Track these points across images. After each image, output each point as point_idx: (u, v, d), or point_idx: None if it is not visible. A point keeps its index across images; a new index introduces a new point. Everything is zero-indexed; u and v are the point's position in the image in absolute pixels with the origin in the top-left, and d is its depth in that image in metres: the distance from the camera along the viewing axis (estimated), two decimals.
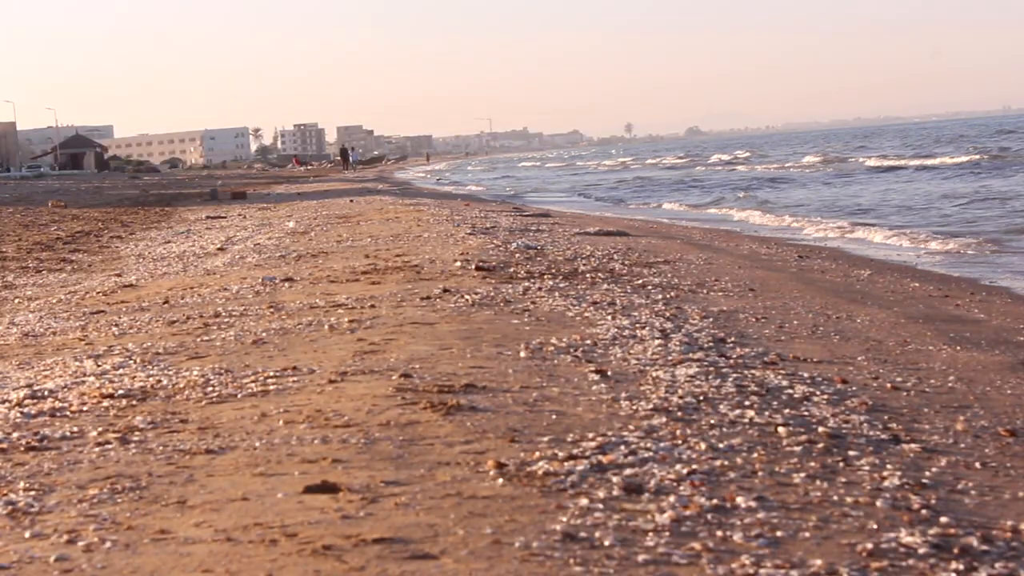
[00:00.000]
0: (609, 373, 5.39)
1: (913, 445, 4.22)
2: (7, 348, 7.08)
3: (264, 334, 6.85)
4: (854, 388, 5.23)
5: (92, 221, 21.46)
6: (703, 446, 4.10)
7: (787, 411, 4.69)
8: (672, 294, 8.52)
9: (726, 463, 3.90)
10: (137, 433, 4.48)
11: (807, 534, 3.23)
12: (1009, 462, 4.06)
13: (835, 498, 3.55)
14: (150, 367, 5.93)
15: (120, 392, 5.26)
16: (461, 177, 65.80)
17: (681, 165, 64.84)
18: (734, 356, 5.91)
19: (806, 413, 4.67)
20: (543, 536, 3.18)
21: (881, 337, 6.86)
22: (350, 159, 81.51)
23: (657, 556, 3.05)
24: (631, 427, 4.37)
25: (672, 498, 3.51)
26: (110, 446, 4.30)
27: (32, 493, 3.73)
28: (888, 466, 3.92)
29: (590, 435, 4.24)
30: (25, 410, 4.96)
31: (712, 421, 4.49)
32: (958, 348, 6.57)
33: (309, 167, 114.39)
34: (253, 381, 5.38)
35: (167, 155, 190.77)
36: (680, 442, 4.15)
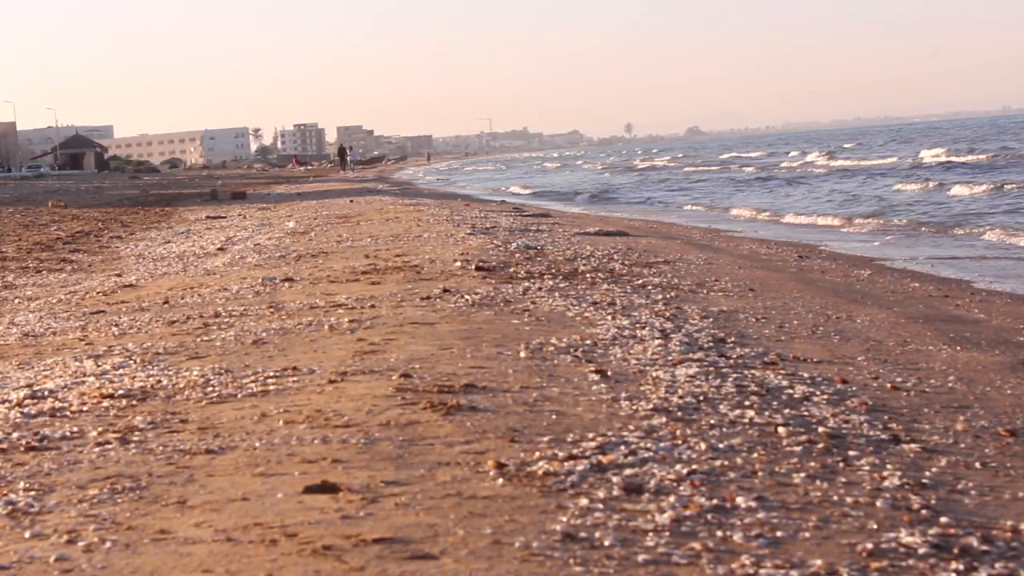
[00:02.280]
0: (609, 373, 5.39)
1: (913, 445, 4.22)
2: (7, 348, 7.08)
3: (264, 334, 6.85)
4: (854, 388, 5.23)
5: (92, 221, 21.46)
6: (703, 446, 4.10)
7: (787, 411, 4.69)
8: (672, 294, 8.52)
9: (726, 463, 3.90)
10: (137, 433, 4.48)
11: (807, 534, 3.23)
12: (1009, 462, 4.06)
13: (835, 498, 3.55)
14: (150, 367, 5.93)
15: (120, 392, 5.26)
16: (432, 176, 72.28)
17: (602, 169, 70.12)
18: (734, 356, 5.91)
19: (806, 413, 4.67)
20: (543, 536, 3.18)
21: (881, 337, 6.86)
22: (348, 159, 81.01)
23: (657, 556, 3.05)
24: (631, 427, 4.37)
25: (672, 498, 3.51)
26: (110, 446, 4.30)
27: (32, 493, 3.73)
28: (888, 466, 3.92)
29: (590, 435, 4.24)
30: (25, 410, 4.96)
31: (712, 421, 4.49)
32: (958, 348, 6.57)
33: (309, 167, 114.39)
34: (253, 381, 5.38)
35: (167, 155, 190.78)
36: (680, 442, 4.15)
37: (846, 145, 79.10)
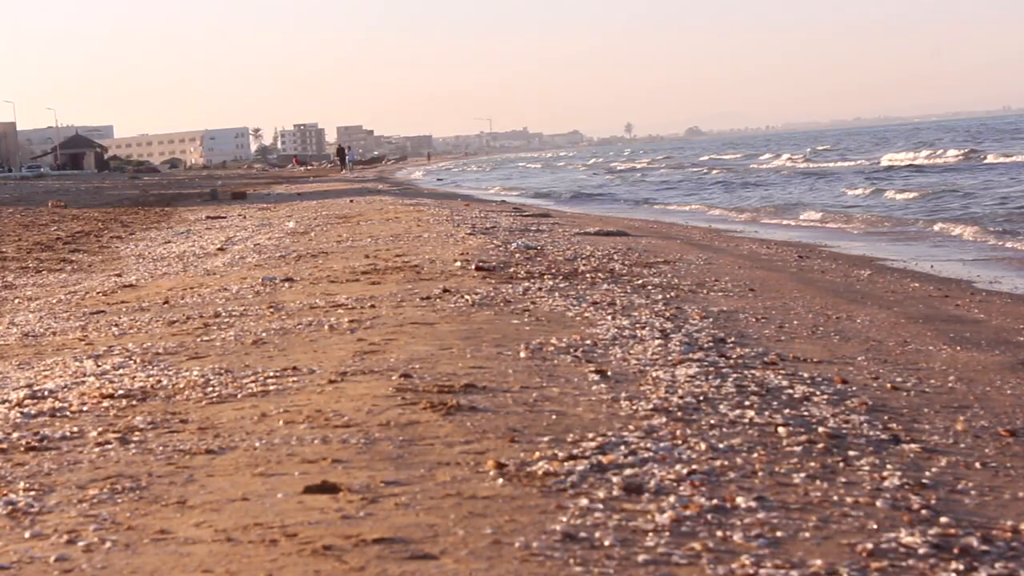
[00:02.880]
0: (609, 373, 5.39)
1: (913, 445, 4.22)
2: (7, 348, 7.08)
3: (264, 334, 6.85)
4: (854, 388, 5.23)
5: (92, 221, 21.47)
6: (703, 446, 4.10)
7: (787, 411, 4.69)
8: (672, 294, 8.52)
9: (726, 463, 3.90)
10: (137, 433, 4.48)
11: (807, 534, 3.23)
12: (1009, 462, 4.06)
13: (835, 498, 3.55)
14: (150, 367, 5.93)
15: (120, 392, 5.26)
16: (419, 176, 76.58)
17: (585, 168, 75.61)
18: (734, 356, 5.91)
19: (806, 413, 4.67)
20: (543, 536, 3.18)
21: (881, 337, 6.86)
22: (347, 159, 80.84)
23: (657, 556, 3.05)
24: (631, 427, 4.37)
25: (672, 498, 3.51)
26: (110, 446, 4.30)
27: (32, 493, 3.73)
28: (888, 466, 3.92)
29: (590, 435, 4.24)
30: (25, 410, 4.96)
31: (712, 421, 4.49)
32: (958, 348, 6.57)
33: (309, 167, 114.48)
34: (253, 381, 5.38)
35: (167, 155, 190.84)
36: (680, 442, 4.15)
37: (820, 148, 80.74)
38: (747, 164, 59.38)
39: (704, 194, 33.81)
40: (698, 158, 78.89)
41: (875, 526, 3.30)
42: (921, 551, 3.10)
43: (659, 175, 52.63)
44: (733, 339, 6.48)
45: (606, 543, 3.13)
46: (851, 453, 4.07)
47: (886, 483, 3.71)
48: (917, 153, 52.12)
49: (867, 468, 3.89)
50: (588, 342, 6.27)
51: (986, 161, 41.32)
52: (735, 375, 5.40)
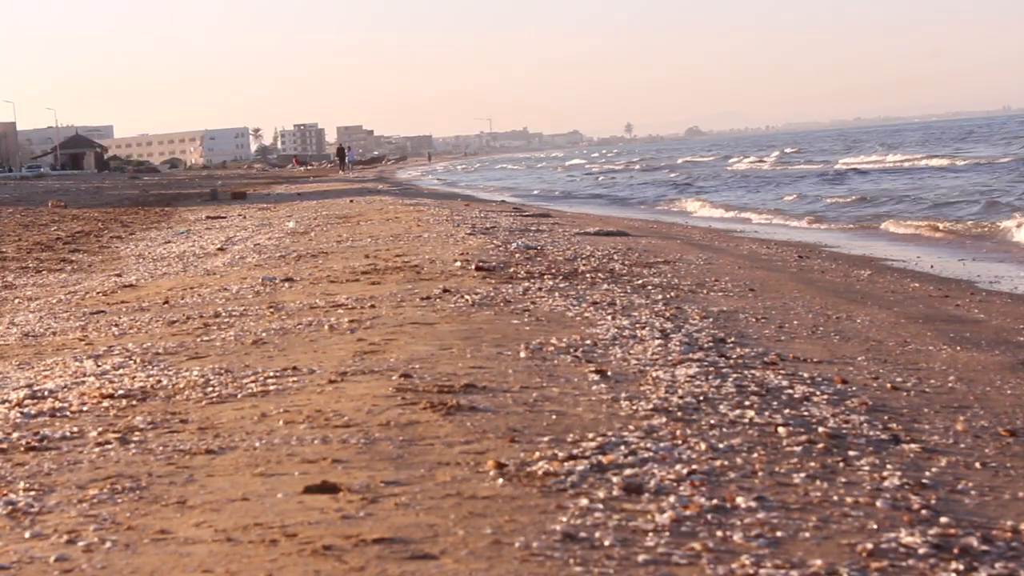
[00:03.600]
0: (609, 373, 5.39)
1: (913, 445, 4.22)
2: (7, 348, 7.08)
3: (264, 334, 6.85)
4: (854, 388, 5.23)
5: (92, 221, 21.47)
6: (703, 446, 4.10)
7: (787, 411, 4.69)
8: (672, 294, 8.52)
9: (726, 463, 3.90)
10: (137, 433, 4.48)
11: (807, 534, 3.23)
12: (1009, 462, 4.06)
13: (835, 498, 3.55)
14: (150, 367, 5.93)
15: (120, 392, 5.26)
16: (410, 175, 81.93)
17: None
18: (734, 356, 5.91)
19: (806, 413, 4.67)
20: (543, 536, 3.18)
21: (881, 337, 6.86)
22: (346, 159, 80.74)
23: (657, 556, 3.05)
24: (631, 427, 4.37)
25: (672, 498, 3.51)
26: (110, 446, 4.30)
27: (32, 493, 3.73)
28: (888, 466, 3.92)
29: (590, 435, 4.24)
30: (25, 410, 4.96)
31: (712, 421, 4.49)
32: (958, 348, 6.57)
33: (309, 167, 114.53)
34: (253, 381, 5.38)
35: (167, 155, 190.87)
36: (680, 442, 4.15)
37: (788, 150, 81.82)
38: (724, 165, 61.10)
39: (644, 195, 36.09)
40: (675, 160, 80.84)
41: (875, 526, 3.30)
42: (921, 551, 3.10)
43: (625, 177, 55.36)
44: (733, 339, 6.48)
45: (606, 543, 3.13)
46: (851, 453, 4.07)
47: (886, 483, 3.71)
48: (868, 157, 54.38)
49: (867, 468, 3.89)
50: (588, 342, 6.27)
51: (931, 164, 43.61)
52: (735, 375, 5.40)
